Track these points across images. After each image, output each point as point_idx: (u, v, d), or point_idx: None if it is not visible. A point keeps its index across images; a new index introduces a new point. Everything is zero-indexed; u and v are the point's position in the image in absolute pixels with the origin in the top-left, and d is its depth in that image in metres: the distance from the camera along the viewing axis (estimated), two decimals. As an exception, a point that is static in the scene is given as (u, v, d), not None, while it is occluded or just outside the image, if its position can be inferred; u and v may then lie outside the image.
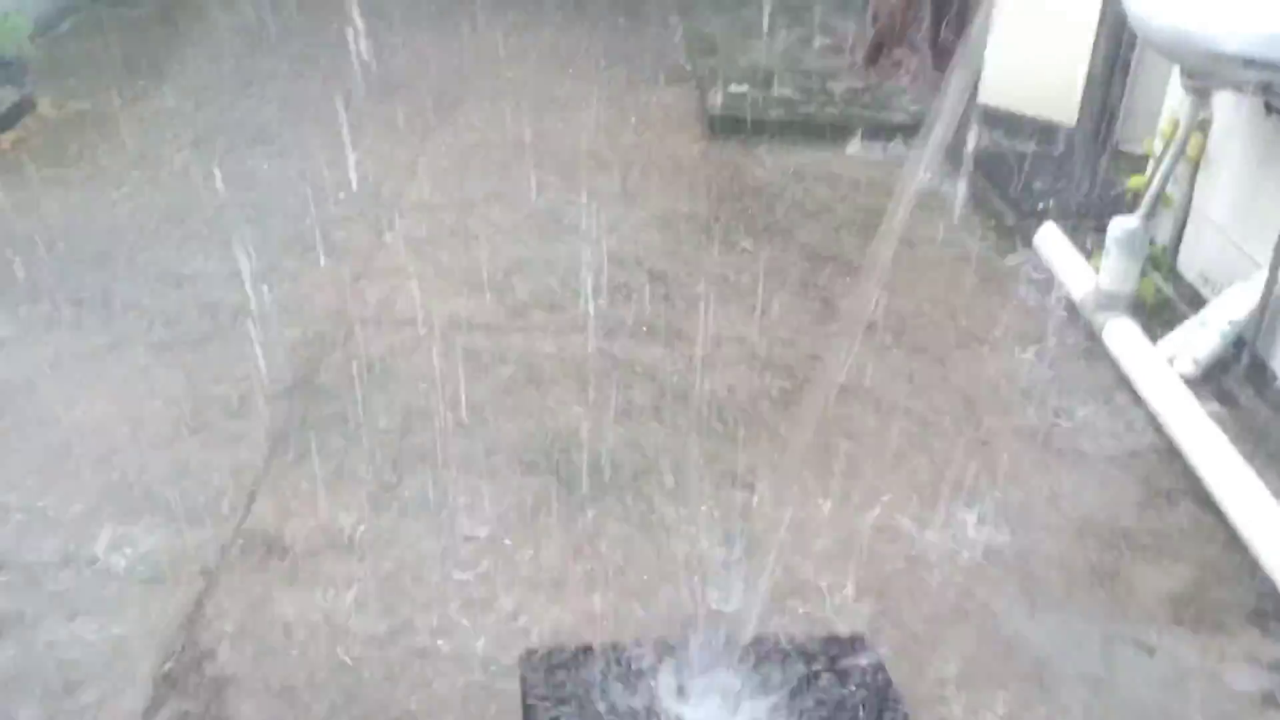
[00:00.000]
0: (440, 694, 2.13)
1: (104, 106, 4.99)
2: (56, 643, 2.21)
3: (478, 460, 2.81)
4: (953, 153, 4.86)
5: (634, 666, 2.19)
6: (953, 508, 2.71)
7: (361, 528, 2.56)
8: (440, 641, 2.25)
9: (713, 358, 3.33)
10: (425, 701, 2.11)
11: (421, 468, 2.77)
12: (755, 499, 2.70)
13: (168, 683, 2.13)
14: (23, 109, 4.82)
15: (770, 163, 4.82)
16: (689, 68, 5.84)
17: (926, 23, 5.30)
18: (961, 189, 4.63)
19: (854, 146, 4.95)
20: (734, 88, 5.35)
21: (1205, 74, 3.21)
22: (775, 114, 5.12)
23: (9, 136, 4.62)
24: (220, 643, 2.23)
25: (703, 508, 2.67)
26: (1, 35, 4.92)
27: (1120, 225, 3.49)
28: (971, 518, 2.69)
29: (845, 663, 2.23)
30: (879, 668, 2.23)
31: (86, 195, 4.20)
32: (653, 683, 2.14)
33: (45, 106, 4.93)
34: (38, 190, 4.18)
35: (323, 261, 3.79)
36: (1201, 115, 3.44)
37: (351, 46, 5.33)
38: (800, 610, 2.39)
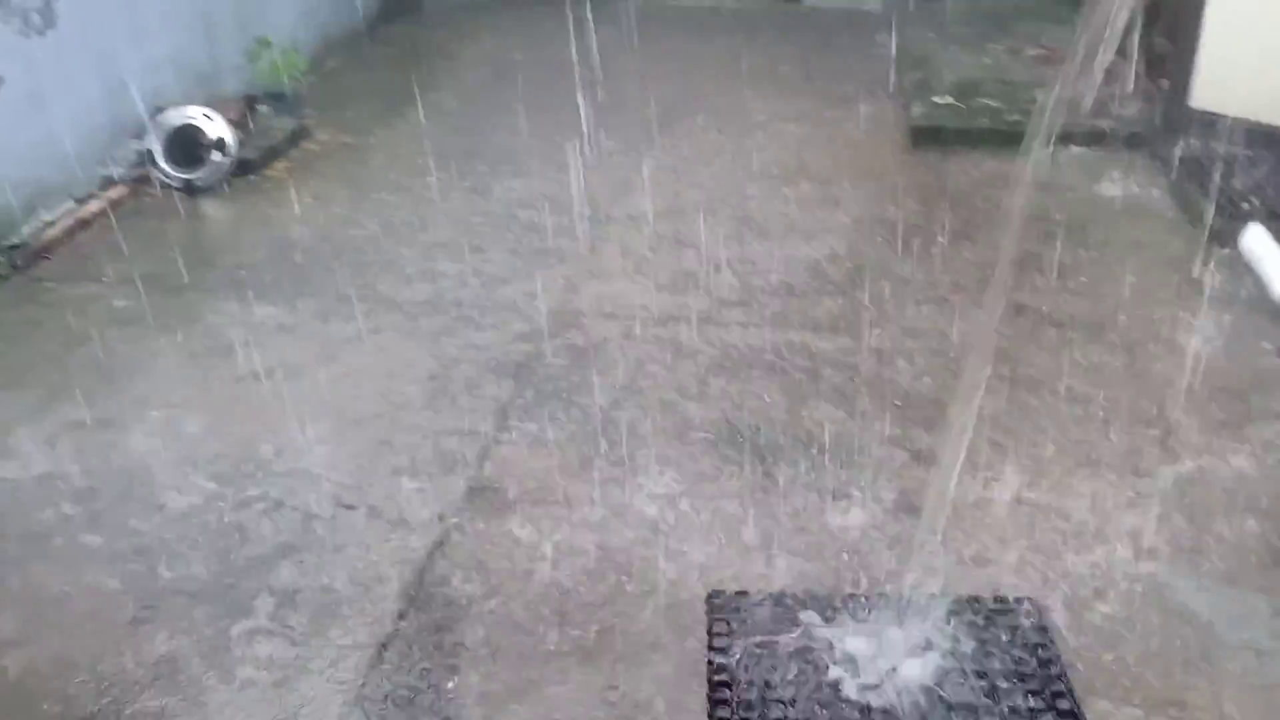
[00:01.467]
0: (637, 617, 2.46)
1: (365, 134, 5.66)
2: (324, 566, 2.67)
3: (676, 433, 3.13)
4: (1162, 158, 4.86)
5: (801, 614, 2.45)
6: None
7: (572, 485, 2.92)
8: (636, 577, 2.58)
9: (906, 349, 3.54)
10: (624, 621, 2.45)
11: (626, 438, 3.12)
12: (946, 475, 2.89)
13: (412, 602, 2.54)
14: (297, 137, 5.53)
15: (971, 171, 4.96)
16: (896, 82, 6.03)
17: (1139, 31, 5.29)
18: (1169, 193, 4.63)
19: (1060, 153, 5.02)
20: (937, 99, 5.51)
21: None
22: (979, 123, 5.24)
23: (283, 164, 5.32)
24: (454, 572, 2.63)
25: (885, 480, 2.90)
26: (283, 70, 5.67)
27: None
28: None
29: (1006, 620, 2.42)
30: (1040, 625, 2.40)
31: (350, 210, 4.81)
32: (823, 630, 2.40)
33: (316, 135, 5.63)
34: (309, 206, 4.82)
35: (551, 263, 4.23)
36: None
37: (580, 73, 5.80)
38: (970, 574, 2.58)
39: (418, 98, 5.79)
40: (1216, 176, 4.44)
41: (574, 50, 5.57)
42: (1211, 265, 4.01)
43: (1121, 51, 5.37)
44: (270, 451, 3.12)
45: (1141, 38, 5.28)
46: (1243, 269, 3.95)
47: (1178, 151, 4.70)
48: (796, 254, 4.24)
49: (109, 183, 4.82)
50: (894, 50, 6.48)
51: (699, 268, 4.15)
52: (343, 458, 3.09)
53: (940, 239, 4.31)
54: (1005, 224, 4.39)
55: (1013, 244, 4.20)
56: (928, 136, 5.23)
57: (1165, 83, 5.19)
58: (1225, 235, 4.14)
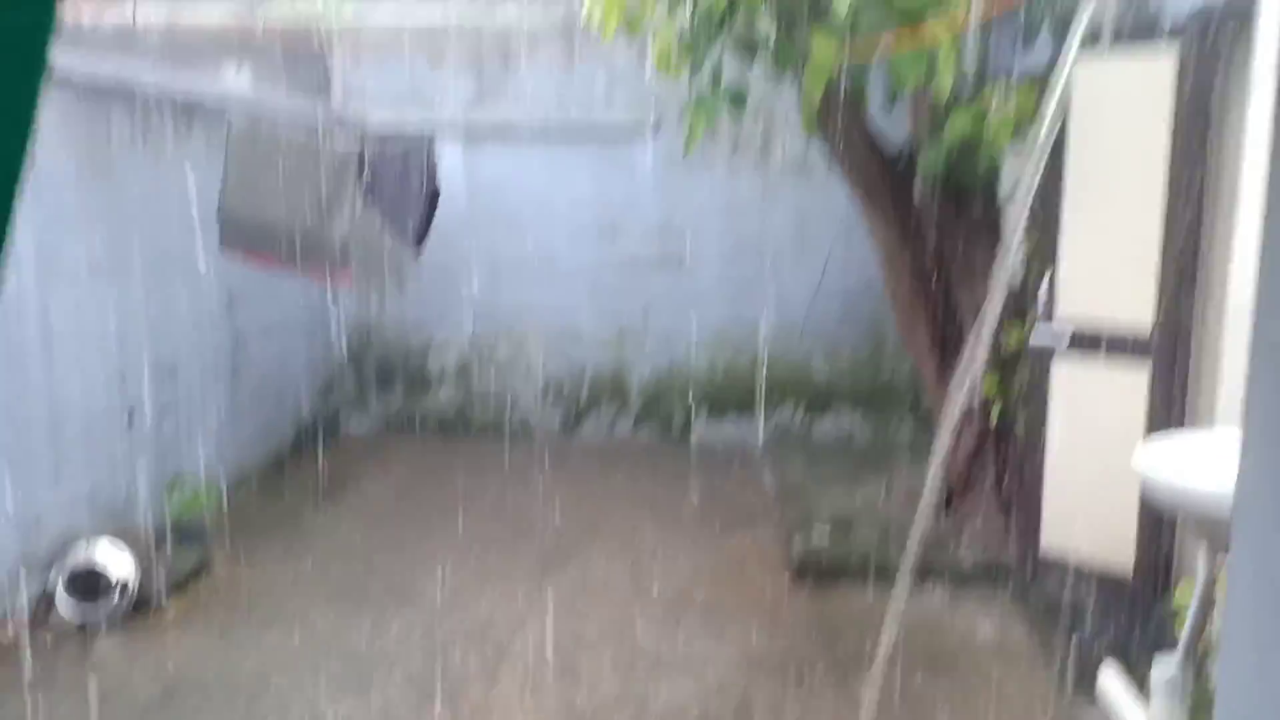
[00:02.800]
0: None
1: (268, 567, 5.82)
2: None
3: None
4: (1022, 598, 5.23)
5: None
6: None
7: None
8: None
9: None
10: None
11: None
12: None
13: None
14: (201, 571, 5.67)
15: (848, 604, 5.26)
16: (779, 516, 6.47)
17: (991, 479, 5.86)
18: (1029, 633, 4.95)
19: (925, 591, 5.37)
20: (815, 533, 5.92)
21: (1211, 533, 3.64)
22: (854, 558, 5.63)
23: (184, 599, 5.42)
24: None
25: None
26: (194, 504, 5.90)
27: (1161, 668, 3.76)
28: None
29: None
30: None
31: (244, 647, 4.87)
32: None
33: (220, 569, 5.77)
34: (204, 644, 4.88)
35: (438, 698, 4.30)
36: (1219, 563, 3.80)
37: (486, 505, 6.14)
38: None
39: (324, 529, 6.03)
40: (1070, 618, 4.79)
41: (484, 481, 5.93)
42: (1069, 706, 4.25)
43: (979, 496, 5.92)
44: None
45: (994, 484, 5.85)
46: (1100, 712, 4.19)
47: (1035, 592, 5.09)
48: (679, 692, 4.39)
49: (2, 619, 4.85)
50: (776, 485, 6.99)
51: (588, 705, 4.26)
52: None
53: (814, 675, 4.51)
54: (870, 662, 4.63)
55: (875, 683, 4.42)
56: (808, 568, 5.57)
57: (1019, 524, 5.69)
58: (1081, 677, 4.41)
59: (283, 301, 7.53)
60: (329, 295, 8.26)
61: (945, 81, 4.63)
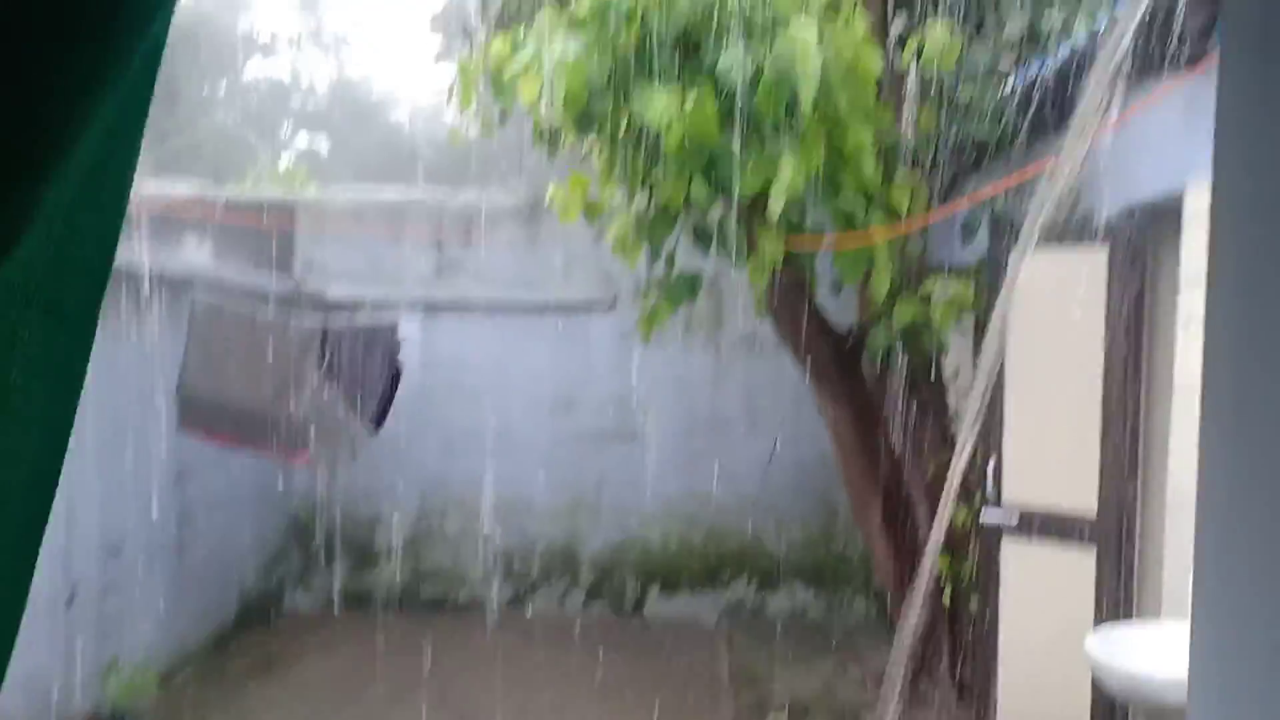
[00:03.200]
0: None
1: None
2: None
3: None
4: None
5: None
6: None
7: None
8: None
9: None
10: None
11: None
12: None
13: None
14: (135, 757, 5.44)
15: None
16: (732, 702, 6.37)
17: (945, 660, 5.85)
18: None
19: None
20: (773, 720, 5.84)
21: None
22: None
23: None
24: None
25: None
26: (131, 688, 5.70)
27: None
28: None
29: None
30: None
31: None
32: None
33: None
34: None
35: None
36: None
37: (427, 691, 5.97)
38: None
39: (265, 712, 5.83)
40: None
41: (430, 660, 5.80)
42: None
43: (934, 679, 5.89)
44: None
45: (949, 666, 5.83)
46: None
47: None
48: None
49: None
50: (730, 666, 6.91)
51: None
52: None
53: None
54: None
55: None
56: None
57: (975, 708, 5.65)
58: None
59: (231, 474, 7.45)
60: (280, 468, 8.20)
61: (883, 281, 4.87)
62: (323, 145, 27.66)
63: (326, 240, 8.29)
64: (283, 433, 5.16)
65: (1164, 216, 4.40)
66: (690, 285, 5.65)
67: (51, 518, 0.76)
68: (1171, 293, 4.16)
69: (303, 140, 28.98)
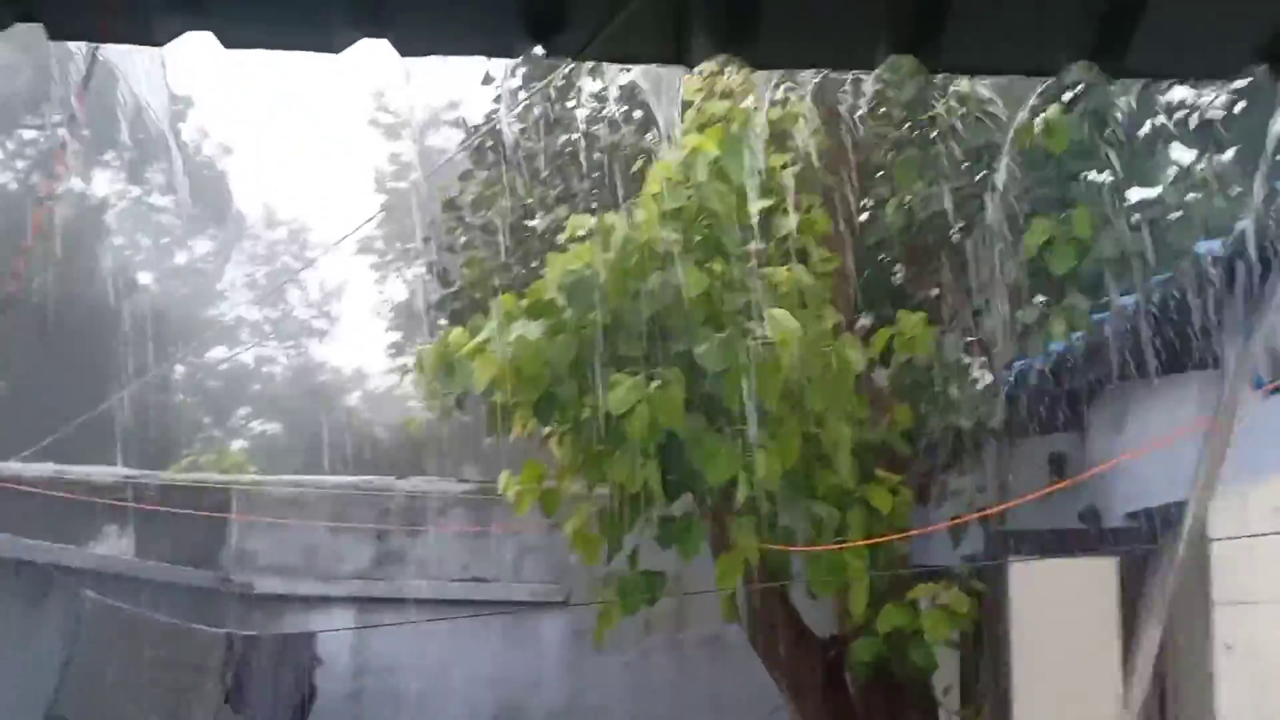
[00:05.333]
0: None
1: None
2: None
3: None
4: None
5: None
6: None
7: None
8: None
9: None
10: None
11: None
12: None
13: None
14: None
15: None
16: None
17: None
18: None
19: None
20: None
21: None
22: None
23: None
24: None
25: None
26: None
27: None
28: None
29: None
30: None
31: None
32: None
33: None
34: None
35: None
36: None
37: None
38: None
39: None
40: None
41: None
42: None
43: None
44: None
45: None
46: None
47: None
48: None
49: None
50: None
51: None
52: None
53: None
54: None
55: None
56: None
57: None
58: None
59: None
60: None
61: (861, 594, 4.46)
62: (277, 429, 27.38)
63: (261, 529, 7.70)
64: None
65: (1170, 519, 4.03)
66: (651, 584, 5.15)
67: None
68: (1203, 610, 3.68)
69: (257, 424, 28.73)
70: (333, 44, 1.25)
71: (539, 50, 1.32)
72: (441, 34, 1.32)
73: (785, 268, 4.60)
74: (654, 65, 1.46)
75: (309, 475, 8.45)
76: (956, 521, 4.92)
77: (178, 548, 7.20)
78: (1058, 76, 1.33)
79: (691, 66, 1.40)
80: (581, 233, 5.12)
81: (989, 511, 4.69)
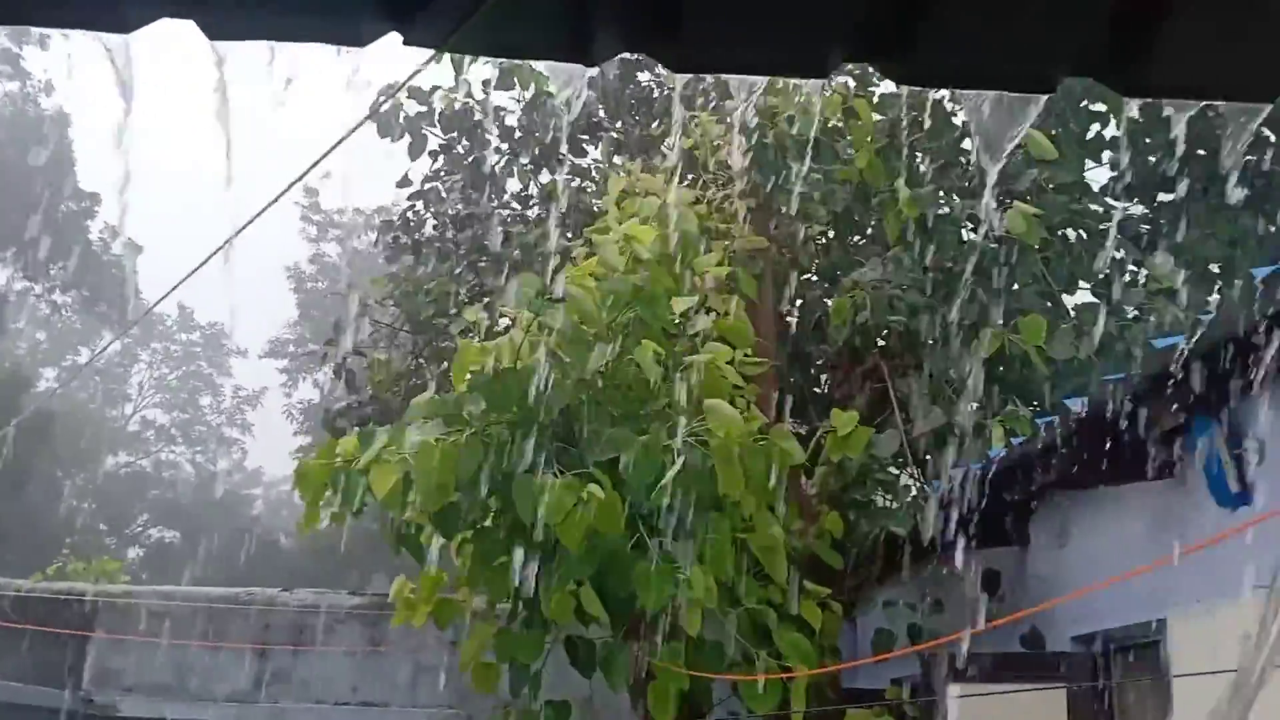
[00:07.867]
0: None
1: None
2: None
3: None
4: None
5: None
6: None
7: None
8: None
9: None
10: None
11: None
12: None
13: None
14: None
15: None
16: None
17: None
18: None
19: None
20: None
21: None
22: None
23: None
24: None
25: None
26: None
27: None
28: None
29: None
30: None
31: None
32: None
33: None
34: None
35: None
36: None
37: None
38: None
39: None
40: None
41: None
42: None
43: None
44: None
45: None
46: None
47: None
48: None
49: None
50: None
51: None
52: None
53: None
54: None
55: None
56: None
57: None
58: None
59: None
60: None
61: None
62: (173, 537, 26.14)
63: (129, 645, 6.99)
64: None
65: (1129, 644, 3.69)
66: (557, 716, 4.64)
67: None
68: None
69: (153, 531, 27.43)
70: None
71: (395, 36, 0.98)
72: (263, 11, 0.97)
73: (709, 356, 4.24)
74: (545, 61, 1.10)
75: (192, 586, 7.77)
76: (892, 655, 4.51)
77: (34, 665, 6.56)
78: (1054, 92, 1.01)
79: (593, 64, 1.06)
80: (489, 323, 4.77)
81: (925, 645, 4.29)
